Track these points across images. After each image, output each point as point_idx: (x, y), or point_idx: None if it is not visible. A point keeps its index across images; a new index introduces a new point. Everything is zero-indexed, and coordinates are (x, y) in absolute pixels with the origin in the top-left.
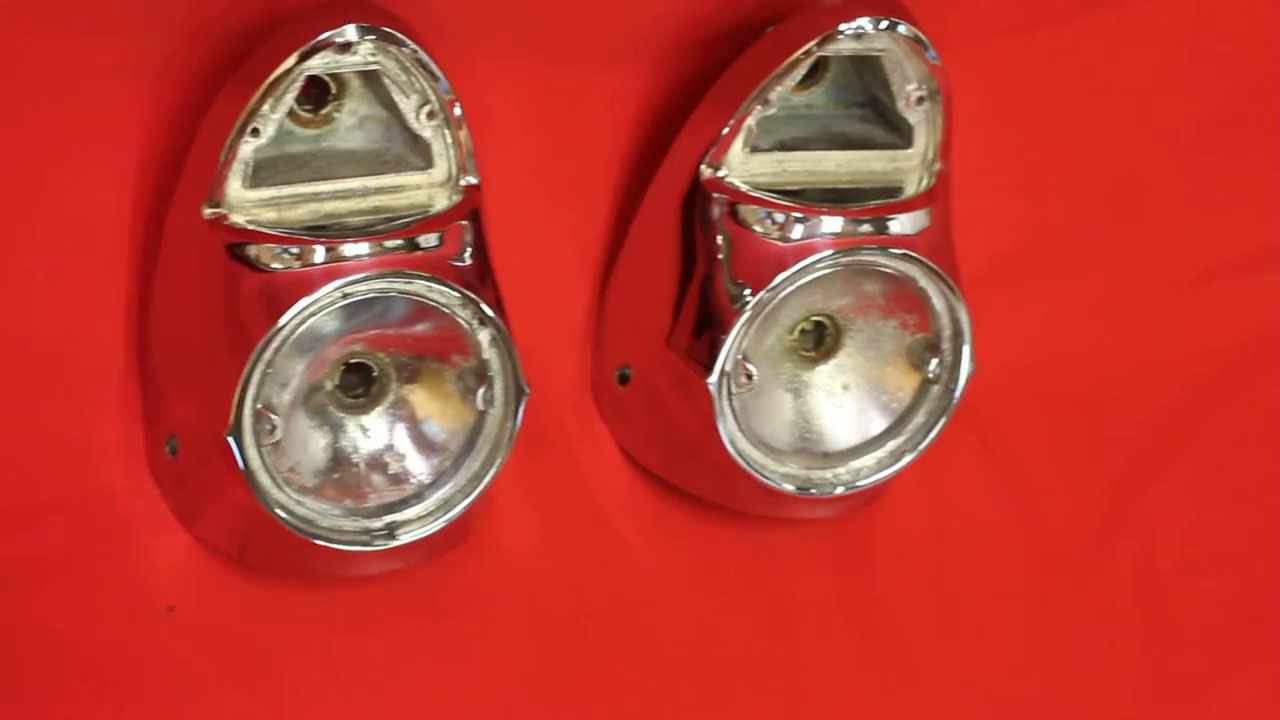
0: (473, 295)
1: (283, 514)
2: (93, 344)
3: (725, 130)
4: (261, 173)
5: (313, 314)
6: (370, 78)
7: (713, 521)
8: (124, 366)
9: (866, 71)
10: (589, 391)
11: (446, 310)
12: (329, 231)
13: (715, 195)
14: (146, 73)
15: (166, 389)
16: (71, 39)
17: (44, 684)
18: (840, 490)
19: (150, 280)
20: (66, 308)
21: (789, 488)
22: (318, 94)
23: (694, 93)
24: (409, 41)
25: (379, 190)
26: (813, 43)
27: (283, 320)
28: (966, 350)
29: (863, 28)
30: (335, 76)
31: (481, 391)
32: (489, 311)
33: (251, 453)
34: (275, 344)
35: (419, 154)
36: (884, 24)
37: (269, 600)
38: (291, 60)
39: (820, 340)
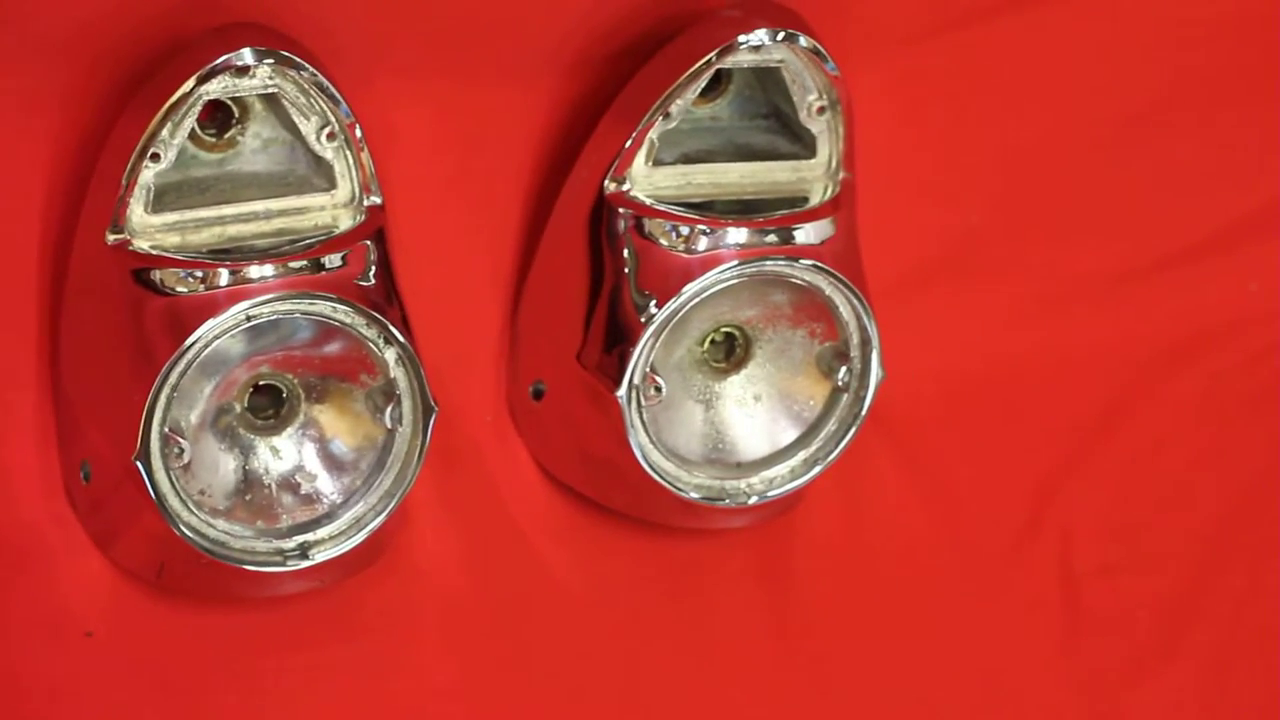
0: (377, 315)
1: (195, 537)
2: (6, 372)
3: (628, 144)
4: (165, 197)
5: (218, 336)
6: (271, 101)
7: (630, 534)
8: (38, 393)
9: (769, 83)
10: (505, 407)
11: (352, 330)
12: (233, 255)
13: (620, 210)
14: (49, 100)
15: (78, 415)
16: None
17: None
18: (753, 500)
19: (60, 306)
20: None
21: (701, 498)
22: (221, 118)
23: (602, 107)
24: (306, 65)
25: (283, 212)
26: (711, 54)
27: (188, 343)
28: (875, 357)
29: (761, 39)
30: (237, 100)
31: (389, 410)
32: (394, 330)
33: (160, 477)
34: (181, 367)
35: (322, 175)
36: (781, 35)
37: (187, 623)
38: (189, 84)
39: (730, 351)
